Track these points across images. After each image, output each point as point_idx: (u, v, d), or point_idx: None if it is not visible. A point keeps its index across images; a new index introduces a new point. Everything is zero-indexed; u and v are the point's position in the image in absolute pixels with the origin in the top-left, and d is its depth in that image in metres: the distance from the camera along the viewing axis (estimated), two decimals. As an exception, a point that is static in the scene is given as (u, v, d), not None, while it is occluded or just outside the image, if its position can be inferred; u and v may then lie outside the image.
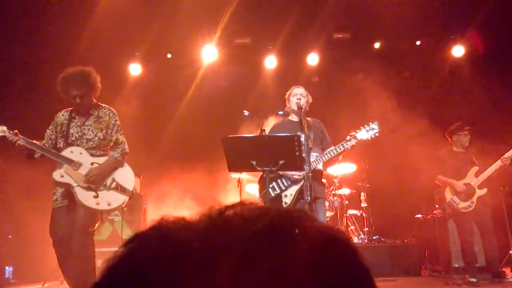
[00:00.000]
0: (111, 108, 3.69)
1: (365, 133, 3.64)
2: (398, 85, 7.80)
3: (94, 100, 3.64)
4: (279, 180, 3.85)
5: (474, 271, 5.02)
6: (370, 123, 3.64)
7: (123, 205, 3.55)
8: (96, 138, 3.51)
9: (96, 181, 3.38)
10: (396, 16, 6.96)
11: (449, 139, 5.41)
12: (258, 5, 6.99)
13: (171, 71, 8.01)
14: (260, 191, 3.92)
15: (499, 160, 4.99)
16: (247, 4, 6.74)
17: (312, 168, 3.53)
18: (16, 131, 3.35)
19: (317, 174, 3.75)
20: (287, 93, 4.15)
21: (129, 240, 0.53)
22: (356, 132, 3.68)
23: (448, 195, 5.18)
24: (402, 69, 8.16)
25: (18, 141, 3.28)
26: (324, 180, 5.78)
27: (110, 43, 7.14)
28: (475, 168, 5.11)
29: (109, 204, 3.39)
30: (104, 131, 3.55)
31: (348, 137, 3.71)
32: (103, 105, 3.69)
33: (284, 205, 3.83)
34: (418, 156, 7.46)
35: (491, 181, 5.13)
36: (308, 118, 4.09)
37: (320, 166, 3.89)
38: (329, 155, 3.73)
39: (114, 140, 3.58)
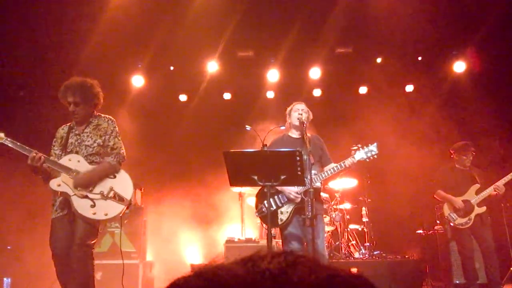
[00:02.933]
0: (111, 117, 3.69)
1: (363, 154, 3.67)
2: (400, 100, 7.82)
3: (95, 112, 3.66)
4: (276, 197, 3.84)
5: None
6: (369, 145, 3.67)
7: (121, 215, 3.46)
8: (95, 145, 3.49)
9: (83, 183, 3.31)
10: (398, 31, 7.02)
11: (452, 156, 5.42)
12: (261, 19, 7.05)
13: (174, 83, 8.05)
14: (257, 206, 3.91)
15: (492, 186, 5.05)
16: (250, 17, 6.80)
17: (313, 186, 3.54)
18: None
19: (315, 192, 3.75)
20: (288, 109, 4.17)
21: (173, 283, 0.58)
22: (355, 152, 3.70)
23: (446, 210, 5.22)
24: (404, 84, 8.19)
25: (39, 158, 3.22)
26: (326, 195, 5.77)
27: (113, 54, 7.19)
28: (476, 186, 5.13)
29: (106, 214, 3.33)
30: (103, 138, 3.53)
31: (349, 159, 3.74)
32: (102, 115, 3.69)
33: (280, 222, 3.82)
34: (420, 171, 7.46)
35: (492, 198, 5.15)
36: (308, 134, 4.10)
37: (318, 184, 3.91)
38: (327, 173, 3.75)
39: (111, 145, 3.53)
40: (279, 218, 3.82)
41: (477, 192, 5.10)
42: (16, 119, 6.47)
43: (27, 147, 3.32)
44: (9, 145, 3.30)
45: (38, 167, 3.23)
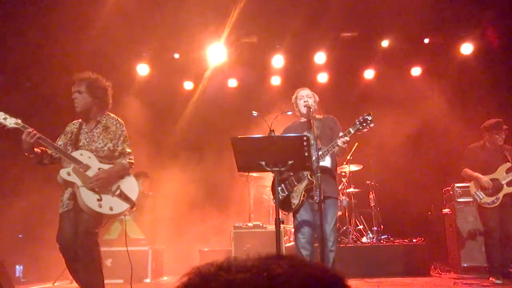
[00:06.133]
0: (119, 119, 3.73)
1: (358, 125, 3.59)
2: (407, 83, 7.76)
3: (105, 111, 3.68)
4: (286, 182, 3.85)
5: (498, 272, 4.88)
6: (364, 114, 3.59)
7: (124, 214, 3.61)
8: (106, 148, 3.56)
9: (103, 184, 3.40)
10: (404, 14, 6.92)
11: (483, 134, 5.23)
12: (265, 5, 6.97)
13: (178, 71, 8.03)
14: (273, 193, 3.92)
15: None
16: (254, 3, 6.73)
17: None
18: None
19: (324, 172, 3.71)
20: (293, 97, 4.13)
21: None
22: (351, 127, 3.63)
23: (472, 188, 5.07)
24: (410, 66, 8.12)
25: (34, 134, 3.26)
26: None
27: (118, 43, 7.17)
28: (508, 165, 4.95)
29: (111, 209, 3.40)
30: (113, 142, 3.60)
31: (341, 134, 3.68)
32: (111, 114, 3.73)
33: (292, 206, 3.83)
34: (427, 154, 7.44)
35: None
36: (319, 116, 4.07)
37: (327, 164, 3.84)
38: (328, 150, 3.69)
39: (120, 150, 3.62)
40: (292, 202, 3.83)
41: (508, 171, 4.94)
42: (21, 109, 6.49)
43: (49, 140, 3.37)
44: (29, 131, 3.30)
45: (31, 143, 3.28)
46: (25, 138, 3.27)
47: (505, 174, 4.95)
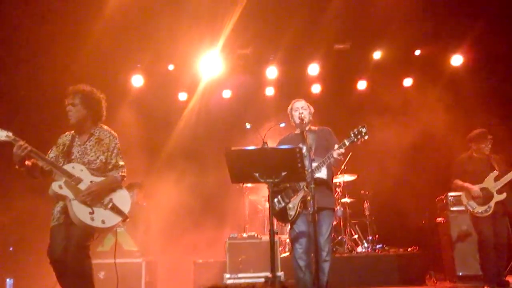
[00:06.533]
0: (112, 132, 3.72)
1: (352, 137, 3.65)
2: (399, 94, 7.84)
3: (99, 123, 3.69)
4: (283, 193, 3.87)
5: (493, 281, 4.90)
6: (359, 127, 3.65)
7: (116, 227, 3.58)
8: (98, 161, 3.55)
9: (94, 198, 3.39)
10: (395, 26, 7.03)
11: (469, 146, 5.32)
12: (259, 16, 7.05)
13: (173, 82, 8.06)
14: (269, 206, 3.94)
15: None
16: (248, 15, 6.79)
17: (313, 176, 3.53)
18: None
19: (318, 183, 3.74)
20: (288, 108, 4.16)
21: None
22: (346, 139, 3.68)
23: (464, 199, 5.12)
24: (402, 78, 8.21)
25: (25, 148, 3.25)
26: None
27: (112, 55, 7.20)
28: (495, 173, 5.02)
29: (103, 222, 3.37)
30: (105, 154, 3.60)
31: (336, 146, 3.71)
32: (104, 127, 3.73)
33: (289, 218, 3.84)
34: (421, 164, 7.49)
35: None
36: (315, 128, 4.10)
37: (323, 175, 3.88)
38: (323, 162, 3.72)
39: (113, 163, 3.62)
40: (288, 213, 3.84)
41: (496, 179, 4.99)
42: (16, 120, 6.48)
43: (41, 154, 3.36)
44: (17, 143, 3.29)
45: (22, 156, 3.26)
46: (16, 151, 3.25)
47: (494, 182, 5.01)
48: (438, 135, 7.38)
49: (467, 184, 5.10)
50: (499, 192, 4.97)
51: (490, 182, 5.02)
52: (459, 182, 5.18)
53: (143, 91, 8.01)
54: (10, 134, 3.30)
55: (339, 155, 3.67)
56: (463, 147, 5.53)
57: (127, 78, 7.92)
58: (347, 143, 3.66)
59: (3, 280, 6.01)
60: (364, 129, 3.62)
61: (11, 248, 6.47)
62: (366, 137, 3.62)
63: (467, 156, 5.31)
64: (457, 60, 7.86)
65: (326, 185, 3.93)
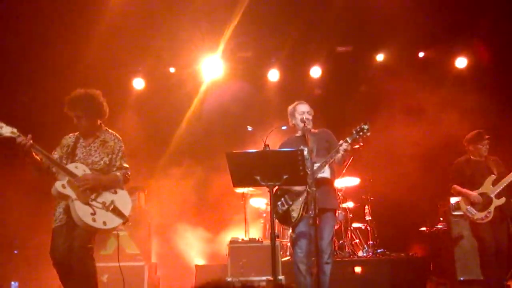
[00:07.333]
0: (117, 135, 3.76)
1: (355, 134, 3.67)
2: (402, 97, 7.81)
3: (103, 126, 3.72)
4: (286, 195, 3.86)
5: (494, 286, 4.82)
6: (361, 124, 3.67)
7: (116, 229, 3.63)
8: (102, 162, 3.58)
9: (90, 186, 3.38)
10: (398, 28, 7.02)
11: (467, 148, 5.20)
12: (260, 19, 7.05)
13: (174, 85, 8.07)
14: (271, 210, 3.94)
15: (511, 174, 4.82)
16: (249, 17, 6.80)
17: (315, 177, 3.54)
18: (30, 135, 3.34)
19: (322, 183, 3.73)
20: (290, 108, 4.15)
21: None
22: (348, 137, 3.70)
23: (463, 206, 4.99)
24: (405, 80, 8.18)
25: (30, 144, 3.26)
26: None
27: (113, 58, 7.21)
28: (492, 177, 4.90)
29: (104, 224, 3.40)
30: (109, 156, 3.62)
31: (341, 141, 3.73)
32: (109, 130, 3.76)
33: (292, 220, 3.83)
34: (423, 168, 7.46)
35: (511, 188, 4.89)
36: (315, 130, 4.10)
37: (326, 174, 3.87)
38: (325, 162, 3.73)
39: (118, 165, 3.64)
40: (291, 216, 3.83)
41: (494, 183, 4.88)
42: (18, 123, 6.50)
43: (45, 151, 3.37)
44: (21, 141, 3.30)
45: (27, 146, 3.27)
46: (20, 141, 3.27)
47: (492, 187, 4.90)
48: (442, 139, 7.34)
49: (465, 190, 4.99)
50: (498, 196, 4.86)
51: (488, 187, 4.92)
52: (457, 188, 5.07)
53: (144, 94, 8.02)
54: (15, 130, 3.33)
55: (344, 150, 3.67)
56: (465, 151, 5.50)
57: (128, 81, 7.93)
58: (349, 140, 3.69)
59: (9, 283, 6.03)
60: (366, 126, 3.66)
61: (16, 251, 6.48)
62: (368, 134, 3.66)
63: (464, 160, 5.19)
64: (461, 62, 7.83)
65: (329, 184, 3.94)
